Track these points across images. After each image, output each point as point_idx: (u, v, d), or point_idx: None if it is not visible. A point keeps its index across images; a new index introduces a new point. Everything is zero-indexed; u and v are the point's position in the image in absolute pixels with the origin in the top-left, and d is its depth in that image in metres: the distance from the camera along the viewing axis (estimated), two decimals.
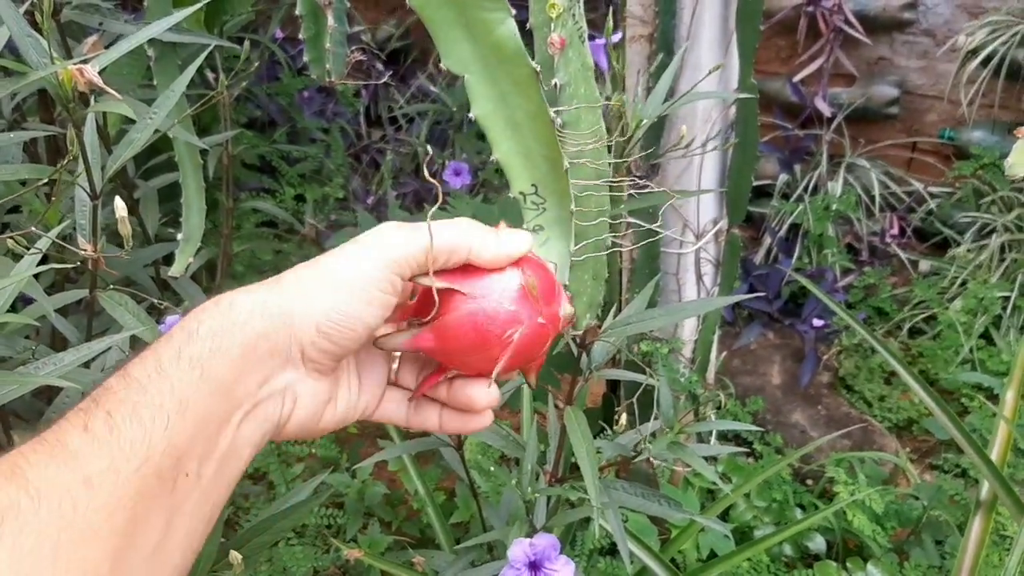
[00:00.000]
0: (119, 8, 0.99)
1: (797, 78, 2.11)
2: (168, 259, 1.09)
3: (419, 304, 0.44)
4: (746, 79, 1.17)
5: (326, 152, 2.01)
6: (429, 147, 0.44)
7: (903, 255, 2.05)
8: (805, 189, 2.09)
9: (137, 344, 0.97)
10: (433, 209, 0.42)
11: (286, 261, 1.59)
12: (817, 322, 1.80)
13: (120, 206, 0.61)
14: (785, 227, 2.05)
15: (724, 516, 1.35)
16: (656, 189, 0.66)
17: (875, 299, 1.96)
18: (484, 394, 0.44)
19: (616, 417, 0.72)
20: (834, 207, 2.01)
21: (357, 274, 0.40)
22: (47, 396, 0.86)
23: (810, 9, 2.04)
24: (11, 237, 0.59)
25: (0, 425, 0.78)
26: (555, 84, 0.53)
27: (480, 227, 0.43)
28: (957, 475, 1.49)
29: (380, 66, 2.47)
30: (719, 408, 0.80)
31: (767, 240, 2.08)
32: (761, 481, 1.30)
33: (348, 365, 0.45)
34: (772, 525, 1.33)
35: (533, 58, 0.53)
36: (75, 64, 0.58)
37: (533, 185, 0.57)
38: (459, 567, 0.86)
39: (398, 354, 0.46)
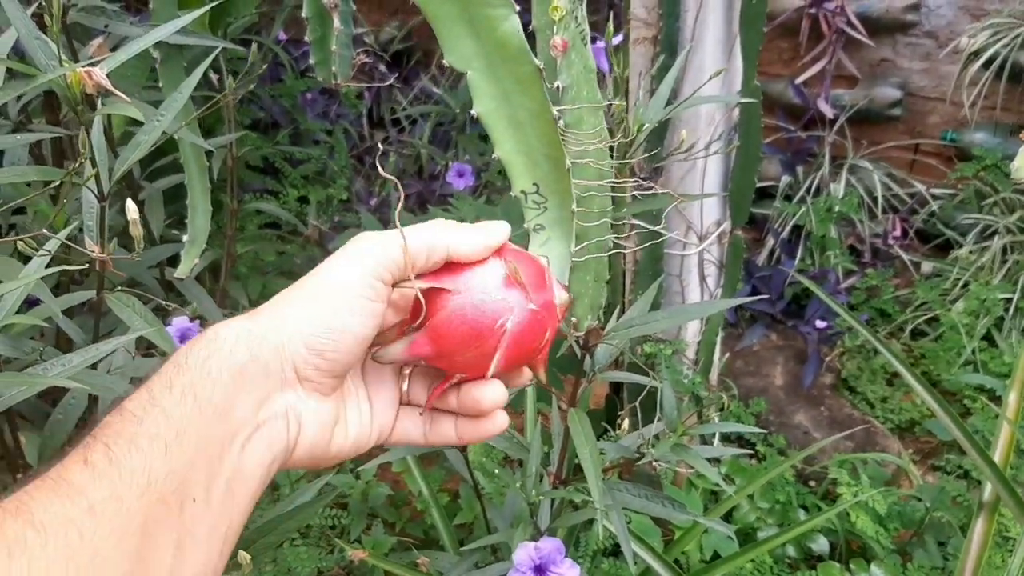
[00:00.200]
0: (123, 10, 0.99)
1: (800, 80, 2.11)
2: (173, 260, 1.09)
3: (413, 315, 0.43)
4: (750, 81, 1.17)
5: (329, 154, 2.02)
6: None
7: (905, 257, 2.05)
8: (808, 191, 2.09)
9: (142, 345, 0.97)
10: (399, 208, 0.42)
11: (289, 262, 1.60)
12: (820, 323, 1.80)
13: (132, 208, 0.61)
14: (788, 228, 2.05)
15: (727, 517, 1.35)
16: (660, 191, 0.66)
17: (877, 301, 1.96)
18: (490, 393, 0.43)
19: (619, 421, 0.72)
20: (836, 209, 2.01)
21: (336, 285, 0.40)
22: (52, 398, 0.86)
23: (813, 11, 2.04)
24: (21, 239, 0.59)
25: (8, 426, 0.78)
26: (557, 86, 0.54)
27: (455, 223, 0.42)
28: (959, 476, 1.49)
29: (383, 68, 2.48)
30: (722, 410, 0.80)
31: (770, 241, 2.08)
32: (764, 482, 1.30)
33: (356, 387, 0.44)
34: (775, 526, 1.33)
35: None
36: (84, 67, 0.58)
37: (535, 184, 0.57)
38: (463, 568, 0.86)
39: (407, 371, 0.45)
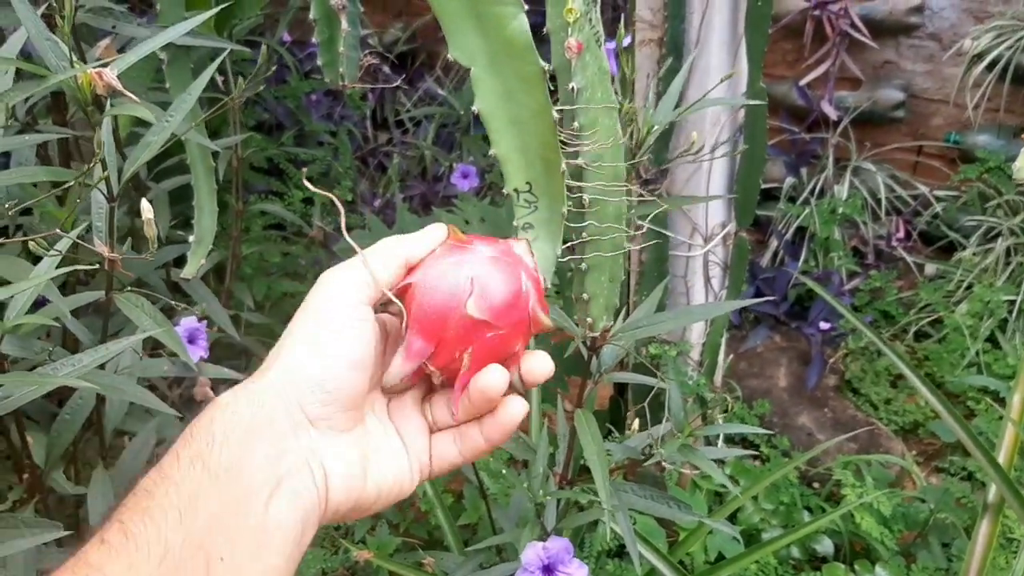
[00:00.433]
0: (130, 11, 1.00)
1: (803, 82, 2.11)
2: (179, 261, 1.09)
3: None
4: (755, 84, 1.17)
5: (334, 155, 2.02)
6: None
7: (909, 258, 2.05)
8: (811, 192, 2.09)
9: (148, 345, 0.97)
10: (342, 221, 0.45)
11: (294, 263, 1.60)
12: (824, 325, 1.80)
13: (147, 208, 0.61)
14: (792, 230, 2.05)
15: (732, 518, 1.35)
16: (666, 194, 0.66)
17: (881, 302, 1.96)
18: (491, 378, 0.43)
19: (628, 423, 0.72)
20: (840, 210, 2.01)
21: (321, 320, 0.42)
22: (58, 398, 0.86)
23: (816, 13, 2.04)
24: (33, 239, 0.59)
25: (15, 426, 0.79)
26: (572, 88, 0.54)
27: (399, 236, 0.46)
28: (963, 478, 1.49)
29: (388, 69, 2.48)
30: (726, 411, 0.80)
31: (774, 243, 2.08)
32: (768, 484, 1.30)
33: (383, 425, 0.45)
34: (780, 527, 1.33)
35: (550, 62, 0.53)
36: (95, 67, 0.59)
37: (528, 183, 0.57)
38: (468, 568, 0.86)
39: (428, 406, 0.47)
